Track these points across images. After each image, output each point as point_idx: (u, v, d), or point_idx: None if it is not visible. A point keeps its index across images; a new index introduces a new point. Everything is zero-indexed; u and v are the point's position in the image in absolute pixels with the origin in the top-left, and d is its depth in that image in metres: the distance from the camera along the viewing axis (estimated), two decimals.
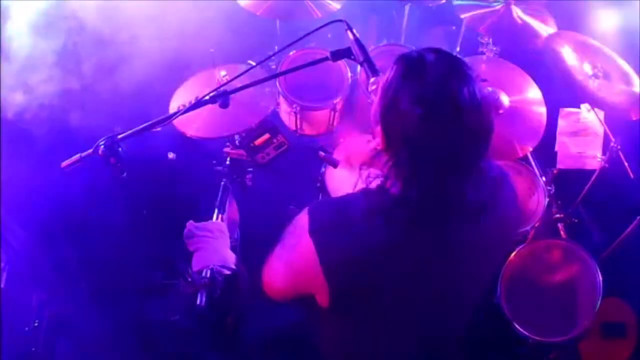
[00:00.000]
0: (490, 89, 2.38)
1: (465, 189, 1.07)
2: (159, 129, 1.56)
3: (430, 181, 1.06)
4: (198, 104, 1.57)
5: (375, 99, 1.14)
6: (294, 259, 1.21)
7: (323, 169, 2.45)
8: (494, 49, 2.73)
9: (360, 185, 1.19)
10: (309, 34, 1.59)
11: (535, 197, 2.47)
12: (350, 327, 1.32)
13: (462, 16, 2.75)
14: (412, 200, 1.07)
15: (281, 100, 2.66)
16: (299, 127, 2.73)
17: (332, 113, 2.68)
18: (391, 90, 1.07)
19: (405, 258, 1.13)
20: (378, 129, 1.11)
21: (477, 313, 1.39)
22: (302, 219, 1.17)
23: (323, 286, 1.14)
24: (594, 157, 2.42)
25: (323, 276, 1.12)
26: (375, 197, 1.12)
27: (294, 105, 2.60)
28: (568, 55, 2.43)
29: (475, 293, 1.35)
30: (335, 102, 2.62)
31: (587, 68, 2.37)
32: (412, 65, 1.07)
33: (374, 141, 1.15)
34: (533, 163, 2.62)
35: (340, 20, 1.61)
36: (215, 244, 1.58)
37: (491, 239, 1.21)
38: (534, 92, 2.46)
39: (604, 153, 2.39)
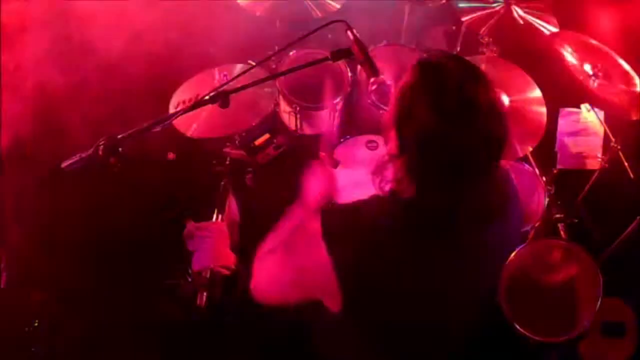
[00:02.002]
0: None
1: (479, 193, 1.08)
2: (159, 129, 1.56)
3: (444, 186, 1.07)
4: (198, 104, 1.57)
5: (390, 104, 1.13)
6: (306, 265, 1.20)
7: None
8: (494, 49, 2.73)
9: (364, 187, 1.19)
10: (309, 34, 1.59)
11: (535, 197, 2.46)
12: (356, 329, 1.32)
13: (463, 19, 2.75)
14: (425, 205, 1.07)
15: (281, 100, 2.66)
16: (299, 127, 2.73)
17: (332, 113, 2.68)
18: (408, 96, 1.07)
19: (417, 263, 1.13)
20: (392, 133, 1.11)
21: (480, 314, 1.38)
22: (314, 225, 1.17)
23: (336, 291, 1.13)
24: (594, 157, 2.42)
25: (337, 282, 1.12)
26: (387, 202, 1.12)
27: (294, 105, 2.60)
28: (568, 55, 2.42)
29: (482, 295, 1.35)
30: (335, 102, 2.62)
31: (587, 68, 2.36)
32: (431, 71, 1.07)
33: (387, 144, 1.15)
34: (533, 163, 2.62)
35: (340, 20, 1.61)
36: (215, 244, 1.58)
37: (497, 240, 1.21)
38: (534, 92, 2.46)
39: (604, 153, 2.39)
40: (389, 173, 1.14)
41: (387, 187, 1.15)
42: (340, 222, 1.16)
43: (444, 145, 1.03)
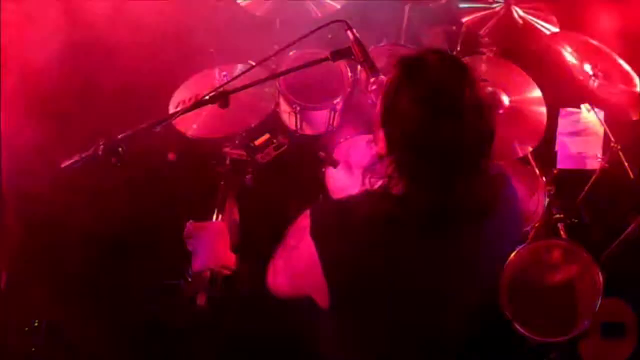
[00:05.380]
0: (490, 89, 2.38)
1: (469, 190, 1.07)
2: (159, 129, 1.56)
3: (433, 182, 1.06)
4: (198, 104, 1.57)
5: (377, 102, 1.14)
6: (295, 261, 1.21)
7: (323, 169, 2.45)
8: (494, 49, 2.73)
9: (362, 187, 1.19)
10: (309, 34, 1.59)
11: (535, 197, 2.47)
12: (349, 329, 1.32)
13: (463, 19, 2.75)
14: (414, 202, 1.07)
15: (281, 100, 2.66)
16: (299, 127, 2.73)
17: (332, 113, 2.68)
18: (392, 91, 1.06)
19: (407, 261, 1.13)
20: (380, 132, 1.11)
21: (477, 314, 1.38)
22: (304, 221, 1.17)
23: (323, 288, 1.13)
24: (594, 157, 2.42)
25: (324, 279, 1.12)
26: (377, 199, 1.12)
27: (294, 105, 2.60)
28: (568, 55, 2.43)
29: (476, 294, 1.35)
30: (335, 102, 2.62)
31: (587, 68, 2.37)
32: (413, 67, 1.07)
33: (376, 144, 1.15)
34: (533, 163, 2.62)
35: (340, 21, 1.61)
36: (215, 244, 1.58)
37: (493, 239, 1.20)
38: (534, 92, 2.46)
39: (604, 153, 2.39)
40: (380, 171, 1.14)
41: (378, 184, 1.14)
42: (329, 217, 1.15)
43: (430, 141, 1.02)
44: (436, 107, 1.01)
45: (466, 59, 2.64)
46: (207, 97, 1.56)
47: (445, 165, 1.05)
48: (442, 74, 1.03)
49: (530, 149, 2.33)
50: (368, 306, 1.18)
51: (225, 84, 1.64)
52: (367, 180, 1.16)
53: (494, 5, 2.77)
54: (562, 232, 2.62)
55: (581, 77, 2.35)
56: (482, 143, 1.07)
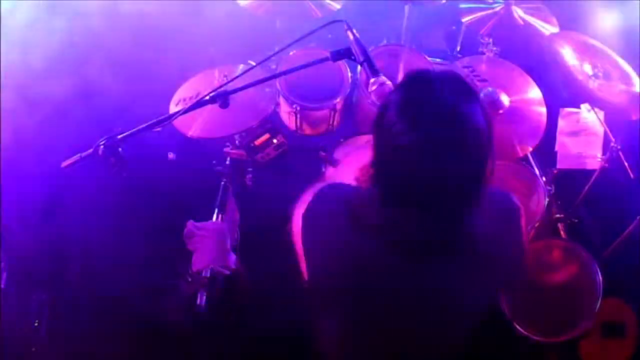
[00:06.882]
0: (490, 89, 2.38)
1: (455, 217, 1.00)
2: (159, 129, 1.56)
3: (407, 200, 1.00)
4: (198, 104, 1.57)
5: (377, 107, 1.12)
6: (294, 219, 1.19)
7: (323, 169, 2.45)
8: (494, 49, 2.73)
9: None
10: (309, 34, 1.59)
11: (535, 197, 2.46)
12: (341, 330, 1.31)
13: (463, 19, 2.76)
14: (388, 219, 1.03)
15: (281, 100, 2.66)
16: (299, 127, 2.73)
17: (332, 113, 2.68)
18: (385, 104, 1.02)
19: (382, 275, 1.09)
20: (373, 140, 1.07)
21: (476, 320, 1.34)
22: (309, 195, 1.15)
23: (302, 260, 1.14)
24: (594, 157, 2.42)
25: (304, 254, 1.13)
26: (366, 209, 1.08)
27: (294, 105, 2.60)
28: (568, 55, 2.43)
29: (457, 325, 1.28)
30: (335, 102, 2.62)
31: (587, 68, 2.37)
32: (413, 83, 1.02)
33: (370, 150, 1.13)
34: (533, 163, 2.62)
35: (340, 21, 1.61)
36: (215, 244, 1.58)
37: (479, 274, 1.11)
38: (534, 92, 2.46)
39: (604, 153, 2.39)
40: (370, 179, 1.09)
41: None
42: (327, 204, 1.14)
43: (410, 161, 0.95)
44: (423, 130, 0.93)
45: (466, 59, 2.65)
46: (207, 97, 1.56)
47: (424, 191, 0.97)
48: (443, 97, 0.95)
49: (530, 149, 2.33)
50: (346, 306, 1.18)
51: (225, 84, 1.64)
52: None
53: (494, 5, 2.77)
54: (562, 232, 2.62)
55: (581, 77, 2.35)
56: (470, 174, 0.97)
